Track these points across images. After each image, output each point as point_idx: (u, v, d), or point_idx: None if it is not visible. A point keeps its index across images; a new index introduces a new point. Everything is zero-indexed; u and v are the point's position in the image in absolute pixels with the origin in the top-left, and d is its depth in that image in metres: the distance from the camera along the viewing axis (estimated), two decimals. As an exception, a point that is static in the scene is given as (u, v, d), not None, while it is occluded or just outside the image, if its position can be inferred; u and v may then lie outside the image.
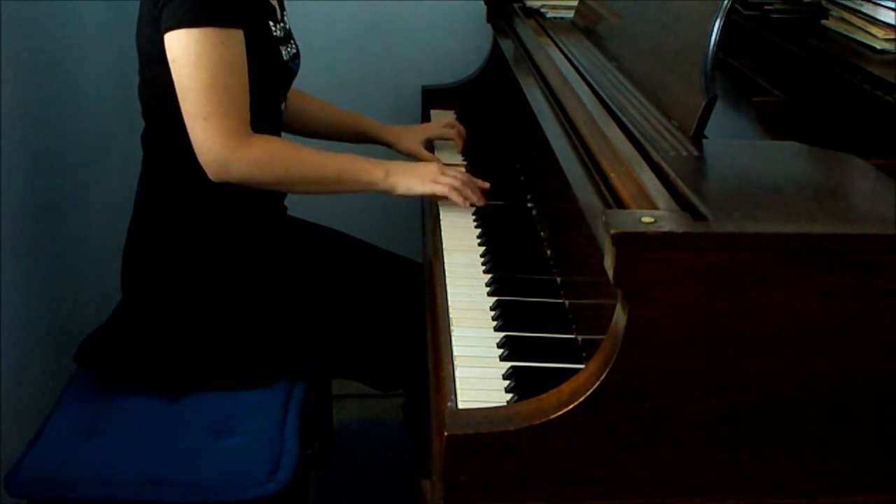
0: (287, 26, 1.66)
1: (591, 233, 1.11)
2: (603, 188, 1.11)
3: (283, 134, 1.73)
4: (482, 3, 2.21)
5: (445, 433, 0.95)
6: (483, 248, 1.55)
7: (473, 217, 1.66)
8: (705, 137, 1.13)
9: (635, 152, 1.13)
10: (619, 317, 0.93)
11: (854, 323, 0.92)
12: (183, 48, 1.41)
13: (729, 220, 0.91)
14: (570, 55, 1.63)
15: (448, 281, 1.43)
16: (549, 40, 1.78)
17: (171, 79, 1.45)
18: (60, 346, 1.76)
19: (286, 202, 1.77)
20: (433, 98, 2.28)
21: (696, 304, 0.91)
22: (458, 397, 1.12)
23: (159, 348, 1.54)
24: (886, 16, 1.40)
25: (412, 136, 1.90)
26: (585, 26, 1.80)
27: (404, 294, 1.63)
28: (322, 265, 1.69)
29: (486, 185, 1.67)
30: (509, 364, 1.20)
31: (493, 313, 1.34)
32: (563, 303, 1.39)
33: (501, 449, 0.95)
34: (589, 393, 0.93)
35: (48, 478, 1.37)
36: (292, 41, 1.67)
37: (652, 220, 0.90)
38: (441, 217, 1.65)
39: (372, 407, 2.34)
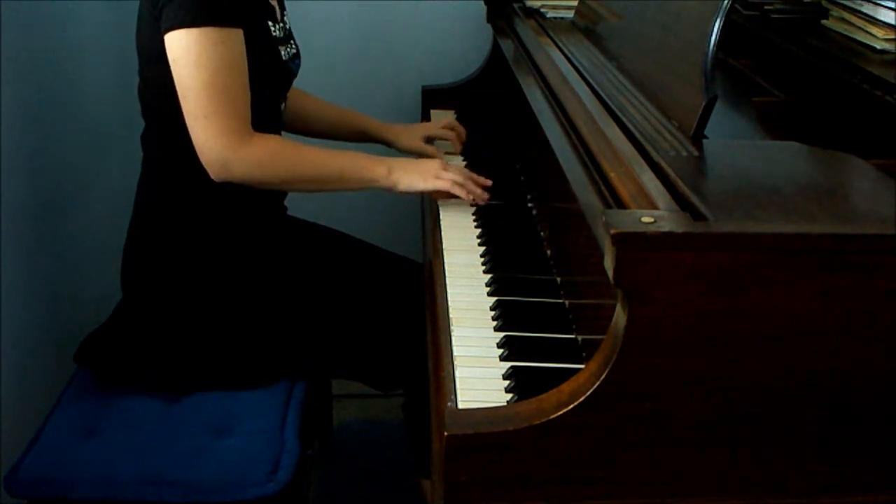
0: (287, 26, 1.66)
1: (591, 233, 1.11)
2: (603, 188, 1.12)
3: (283, 133, 1.73)
4: (482, 3, 2.21)
5: (445, 433, 0.95)
6: (483, 248, 1.55)
7: (473, 217, 1.66)
8: (705, 137, 1.13)
9: (635, 152, 1.13)
10: (619, 317, 0.93)
11: (854, 323, 0.92)
12: (183, 48, 1.42)
13: (729, 220, 0.92)
14: (570, 55, 1.63)
15: (448, 281, 1.44)
16: (549, 40, 1.78)
17: (171, 78, 1.45)
18: (60, 346, 1.76)
19: (286, 202, 1.77)
20: (433, 98, 2.28)
21: (696, 304, 0.91)
22: (458, 397, 1.12)
23: (159, 348, 1.54)
24: (886, 16, 1.40)
25: (412, 134, 1.90)
26: (585, 26, 1.80)
27: (404, 294, 1.63)
28: (322, 265, 1.69)
29: (488, 182, 1.67)
30: (509, 364, 1.20)
31: (493, 313, 1.34)
32: (563, 303, 1.39)
33: (501, 449, 0.95)
34: (589, 393, 0.93)
35: (48, 478, 1.37)
36: (292, 41, 1.67)
37: (652, 220, 0.90)
38: (441, 217, 1.65)
39: (372, 407, 2.34)
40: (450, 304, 1.36)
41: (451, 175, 1.60)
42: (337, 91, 1.99)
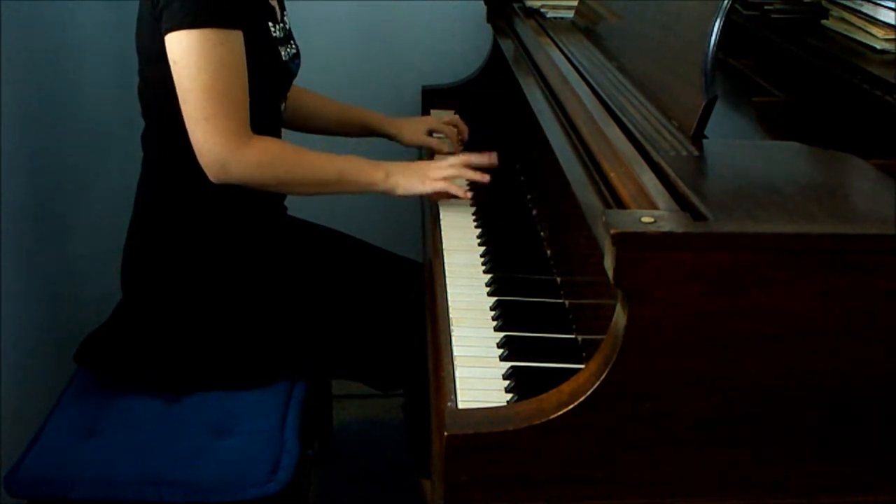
0: (287, 27, 1.66)
1: (591, 233, 1.11)
2: (603, 188, 1.12)
3: (284, 131, 1.73)
4: (482, 3, 2.21)
5: (445, 433, 0.95)
6: (483, 248, 1.55)
7: (473, 217, 1.66)
8: (705, 137, 1.13)
9: (635, 152, 1.13)
10: (619, 317, 0.93)
11: (854, 323, 0.92)
12: (183, 49, 1.41)
13: (729, 220, 0.92)
14: (570, 55, 1.63)
15: (448, 281, 1.44)
16: (549, 40, 1.78)
17: (170, 79, 1.44)
18: (60, 346, 1.76)
19: (286, 202, 1.77)
20: (433, 98, 2.28)
21: (696, 304, 0.91)
22: (458, 397, 1.12)
23: (159, 348, 1.54)
24: (886, 16, 1.40)
25: (415, 128, 1.90)
26: (585, 26, 1.80)
27: (404, 294, 1.63)
28: (322, 265, 1.69)
29: (492, 159, 1.65)
30: (509, 364, 1.20)
31: (493, 313, 1.34)
32: (563, 303, 1.39)
33: (501, 449, 0.95)
34: (589, 393, 0.93)
35: (48, 478, 1.37)
36: (292, 41, 1.67)
37: (652, 220, 0.90)
38: (441, 217, 1.65)
39: (372, 407, 2.34)
40: (450, 304, 1.36)
41: (446, 172, 1.60)
42: (337, 91, 1.99)
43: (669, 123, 1.19)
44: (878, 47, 1.40)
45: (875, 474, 0.99)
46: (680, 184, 1.00)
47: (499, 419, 0.96)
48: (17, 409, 1.78)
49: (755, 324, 0.92)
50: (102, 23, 2.16)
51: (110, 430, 1.45)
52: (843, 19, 1.52)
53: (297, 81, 1.71)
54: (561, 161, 1.31)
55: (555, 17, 1.99)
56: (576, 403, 0.93)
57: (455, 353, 1.23)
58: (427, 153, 1.89)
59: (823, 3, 1.60)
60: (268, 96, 1.59)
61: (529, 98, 1.60)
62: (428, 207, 1.73)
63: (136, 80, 1.58)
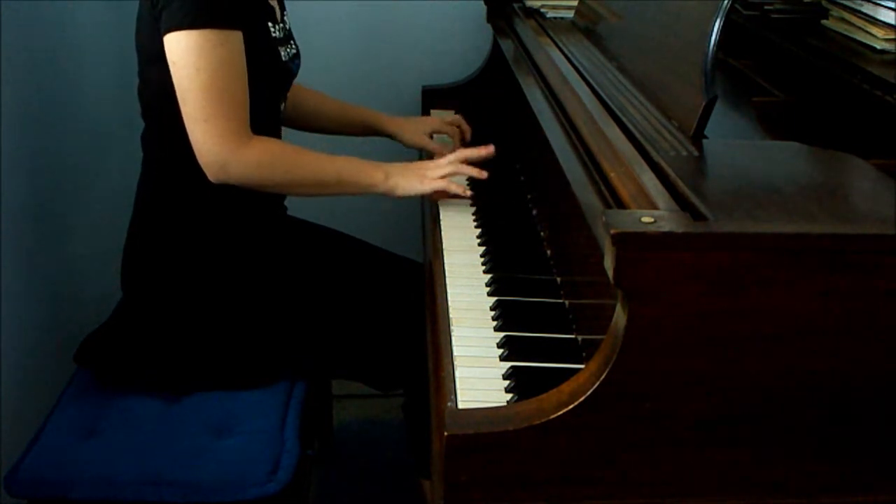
0: (287, 27, 1.66)
1: (591, 233, 1.11)
2: (603, 188, 1.12)
3: (284, 131, 1.73)
4: (482, 3, 2.21)
5: (445, 433, 0.95)
6: (483, 248, 1.55)
7: (473, 217, 1.66)
8: (705, 137, 1.13)
9: (635, 152, 1.13)
10: (619, 317, 0.93)
11: (854, 323, 0.92)
12: (182, 50, 1.41)
13: (729, 220, 0.92)
14: (570, 55, 1.63)
15: (448, 281, 1.44)
16: (549, 40, 1.78)
17: (170, 79, 1.44)
18: (60, 346, 1.76)
19: (286, 202, 1.77)
20: (433, 98, 2.28)
21: (696, 304, 0.91)
22: (458, 397, 1.12)
23: (159, 348, 1.54)
24: (886, 16, 1.40)
25: (416, 129, 1.90)
26: (585, 26, 1.80)
27: (404, 294, 1.63)
28: (322, 265, 1.69)
29: (489, 150, 1.65)
30: (509, 364, 1.20)
31: (493, 313, 1.34)
32: (563, 303, 1.39)
33: (501, 449, 0.95)
34: (589, 393, 0.93)
35: (48, 478, 1.37)
36: (292, 42, 1.67)
37: (652, 220, 0.90)
38: (441, 217, 1.65)
39: (372, 407, 2.34)
40: (450, 304, 1.36)
41: (446, 170, 1.60)
42: (337, 91, 1.99)
43: (669, 123, 1.19)
44: (878, 47, 1.40)
45: (875, 474, 0.99)
46: (680, 184, 1.00)
47: (499, 419, 0.96)
48: (17, 409, 1.78)
49: (755, 324, 0.92)
50: (102, 23, 2.16)
51: (110, 430, 1.45)
52: (843, 19, 1.52)
53: (297, 81, 1.71)
54: (561, 161, 1.31)
55: (555, 17, 1.99)
56: (576, 403, 0.93)
57: (455, 353, 1.23)
58: (427, 155, 1.89)
59: (823, 3, 1.60)
60: (268, 97, 1.59)
61: (529, 98, 1.60)
62: (428, 207, 1.73)
63: (136, 80, 1.58)
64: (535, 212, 1.72)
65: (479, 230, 1.62)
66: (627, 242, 0.89)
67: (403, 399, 1.76)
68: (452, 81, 2.31)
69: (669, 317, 0.91)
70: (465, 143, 1.95)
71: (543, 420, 0.94)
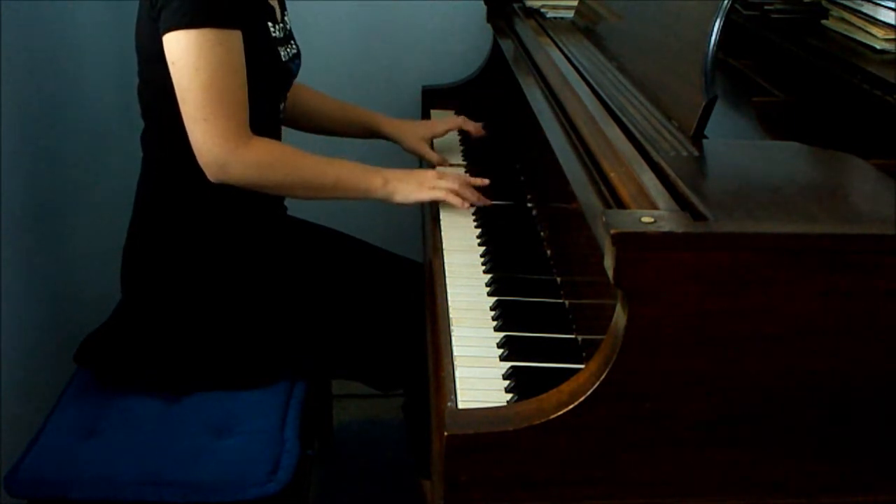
0: (287, 27, 1.66)
1: (591, 233, 1.11)
2: (603, 188, 1.12)
3: (284, 130, 1.73)
4: (482, 3, 2.21)
5: (445, 433, 0.95)
6: (483, 248, 1.55)
7: (473, 217, 1.66)
8: (705, 137, 1.13)
9: (635, 152, 1.13)
10: (619, 317, 0.93)
11: (854, 323, 0.92)
12: (182, 49, 1.41)
13: (729, 220, 0.92)
14: (570, 55, 1.63)
15: (448, 281, 1.44)
16: (549, 40, 1.78)
17: (170, 79, 1.44)
18: (60, 346, 1.76)
19: (286, 202, 1.77)
20: (433, 98, 2.28)
21: (697, 304, 0.91)
22: (458, 397, 1.12)
23: (159, 348, 1.54)
24: (886, 16, 1.40)
25: (416, 132, 1.89)
26: (585, 26, 1.80)
27: (404, 294, 1.63)
28: (322, 265, 1.69)
29: (486, 181, 1.67)
30: (509, 364, 1.20)
31: (493, 313, 1.34)
32: (563, 303, 1.39)
33: (501, 449, 0.95)
34: (589, 393, 0.93)
35: (48, 478, 1.37)
36: (292, 42, 1.67)
37: (652, 220, 0.90)
38: (441, 217, 1.65)
39: (372, 407, 2.34)
40: (450, 304, 1.36)
41: (446, 184, 1.60)
42: (337, 91, 1.99)
43: (669, 123, 1.19)
44: (878, 47, 1.40)
45: (875, 474, 0.99)
46: (680, 184, 1.00)
47: (499, 419, 0.96)
48: (17, 409, 1.78)
49: (755, 324, 0.92)
50: (102, 23, 2.16)
51: (110, 430, 1.45)
52: (843, 19, 1.52)
53: (297, 81, 1.71)
54: (561, 161, 1.31)
55: (555, 17, 1.99)
56: (576, 403, 0.93)
57: (455, 353, 1.23)
58: (428, 164, 1.88)
59: (823, 3, 1.60)
60: (268, 96, 1.59)
61: (529, 98, 1.60)
62: (428, 207, 1.73)
63: (136, 80, 1.58)
64: (535, 212, 1.72)
65: (479, 230, 1.62)
66: (627, 242, 0.89)
67: (403, 399, 1.76)
68: (452, 81, 2.32)
69: (669, 317, 0.91)
70: (475, 141, 1.94)
71: (543, 420, 0.94)
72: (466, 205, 1.62)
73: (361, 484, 2.11)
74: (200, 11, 1.40)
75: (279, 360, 1.57)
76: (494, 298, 1.38)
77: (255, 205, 1.60)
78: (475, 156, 1.97)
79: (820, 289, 0.91)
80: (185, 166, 1.48)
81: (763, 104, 1.41)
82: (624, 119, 1.23)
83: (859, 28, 1.46)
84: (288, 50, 1.62)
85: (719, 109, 1.14)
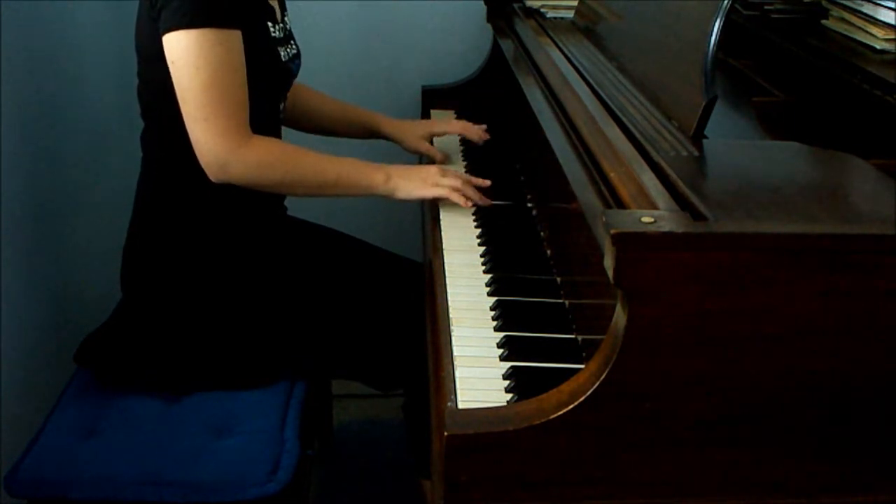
0: (287, 27, 1.66)
1: (591, 233, 1.11)
2: (603, 188, 1.12)
3: (284, 130, 1.73)
4: (482, 3, 2.21)
5: (445, 433, 0.95)
6: (483, 248, 1.55)
7: (473, 217, 1.66)
8: (705, 137, 1.13)
9: (635, 152, 1.13)
10: (619, 317, 0.93)
11: (854, 323, 0.92)
12: (182, 49, 1.41)
13: (729, 220, 0.92)
14: (570, 55, 1.63)
15: (448, 281, 1.44)
16: (549, 40, 1.78)
17: (169, 79, 1.44)
18: (60, 346, 1.76)
19: (286, 202, 1.77)
20: (433, 98, 2.28)
21: (697, 304, 0.91)
22: (458, 397, 1.12)
23: (159, 348, 1.54)
24: (886, 16, 1.40)
25: (416, 132, 1.89)
26: (585, 26, 1.80)
27: (404, 294, 1.63)
28: (322, 265, 1.69)
29: (487, 182, 1.67)
30: (509, 364, 1.20)
31: (493, 313, 1.34)
32: (563, 303, 1.39)
33: (501, 449, 0.95)
34: (589, 393, 0.93)
35: (48, 478, 1.37)
36: (292, 42, 1.67)
37: (652, 220, 0.90)
38: (441, 217, 1.65)
39: (372, 407, 2.34)
40: (450, 304, 1.36)
41: (449, 181, 1.60)
42: (337, 91, 1.99)
43: (669, 123, 1.19)
44: (878, 47, 1.40)
45: (875, 474, 0.99)
46: (680, 184, 1.00)
47: (499, 419, 0.96)
48: (17, 409, 1.78)
49: (755, 324, 0.92)
50: (102, 23, 2.16)
51: (110, 430, 1.45)
52: (843, 19, 1.52)
53: (297, 81, 1.71)
54: (561, 161, 1.31)
55: (555, 17, 1.99)
56: (576, 403, 0.93)
57: (455, 353, 1.23)
58: (428, 160, 1.88)
59: (823, 3, 1.60)
60: (268, 96, 1.59)
61: (529, 98, 1.60)
62: (428, 207, 1.73)
63: (136, 80, 1.58)
64: (535, 212, 1.72)
65: (479, 230, 1.62)
66: (627, 242, 0.89)
67: (403, 399, 1.77)
68: (452, 81, 2.32)
69: (669, 317, 0.91)
70: (477, 146, 1.93)
71: (543, 420, 0.94)
72: (469, 203, 1.62)
73: (361, 484, 2.11)
74: (200, 11, 1.40)
75: (279, 360, 1.57)
76: (494, 298, 1.38)
77: (256, 205, 1.60)
78: (475, 156, 1.96)
79: (820, 289, 0.91)
80: (185, 166, 1.48)
81: (763, 104, 1.41)
82: (624, 119, 1.23)
83: (859, 28, 1.46)
84: (288, 50, 1.62)
85: (719, 109, 1.14)
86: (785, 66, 1.51)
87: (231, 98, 1.44)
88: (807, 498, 0.99)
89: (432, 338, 1.33)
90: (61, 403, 1.52)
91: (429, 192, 1.60)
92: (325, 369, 1.72)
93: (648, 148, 1.11)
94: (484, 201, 1.65)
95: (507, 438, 0.95)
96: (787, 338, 0.92)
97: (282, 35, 1.61)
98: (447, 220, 1.64)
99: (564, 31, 1.83)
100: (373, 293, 1.65)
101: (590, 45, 1.68)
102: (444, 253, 1.53)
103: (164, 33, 1.42)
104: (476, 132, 1.92)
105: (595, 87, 1.40)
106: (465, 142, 2.02)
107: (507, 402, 1.12)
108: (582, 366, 1.11)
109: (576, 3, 1.92)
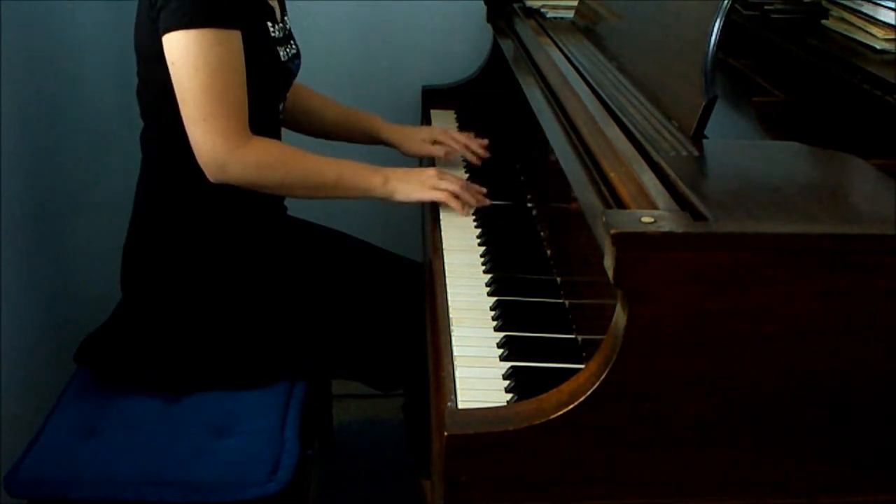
0: (287, 27, 1.66)
1: (591, 233, 1.11)
2: (603, 188, 1.12)
3: (284, 132, 1.73)
4: (482, 3, 2.21)
5: (445, 433, 0.95)
6: (483, 248, 1.55)
7: (473, 217, 1.66)
8: (705, 137, 1.13)
9: (635, 152, 1.13)
10: (619, 317, 0.93)
11: (854, 323, 0.92)
12: (181, 50, 1.41)
13: (729, 220, 0.92)
14: (570, 55, 1.63)
15: (448, 281, 1.44)
16: (549, 40, 1.78)
17: (169, 79, 1.44)
18: (60, 346, 1.76)
19: (286, 202, 1.77)
20: (433, 98, 2.28)
21: (697, 304, 0.91)
22: (458, 397, 1.12)
23: (159, 348, 1.54)
24: (886, 16, 1.40)
25: (418, 136, 1.89)
26: (585, 26, 1.80)
27: (404, 294, 1.63)
28: (322, 265, 1.69)
29: (484, 190, 1.68)
30: (509, 364, 1.20)
31: (493, 313, 1.34)
32: (563, 303, 1.39)
33: (501, 449, 0.95)
34: (589, 393, 0.93)
35: (48, 478, 1.37)
36: (292, 41, 1.67)
37: (652, 220, 0.90)
38: (441, 217, 1.65)
39: (372, 407, 2.34)
40: (450, 304, 1.36)
41: (447, 185, 1.61)
42: (337, 91, 1.99)
43: (669, 123, 1.19)
44: (878, 47, 1.40)
45: (875, 474, 0.99)
46: (680, 184, 1.00)
47: (499, 419, 0.96)
48: (17, 409, 1.78)
49: (755, 324, 0.92)
50: (102, 23, 2.16)
51: (110, 430, 1.45)
52: (843, 19, 1.52)
53: (297, 81, 1.71)
54: (561, 161, 1.31)
55: (555, 17, 1.99)
56: (576, 403, 0.93)
57: (455, 353, 1.23)
58: (428, 161, 1.88)
59: (823, 3, 1.60)
60: (267, 96, 1.59)
61: (529, 98, 1.60)
62: (428, 207, 1.73)
63: (136, 80, 1.58)
64: (535, 212, 1.72)
65: (479, 230, 1.62)
66: (627, 242, 0.89)
67: (403, 399, 1.77)
68: (452, 81, 2.31)
69: (669, 317, 0.91)
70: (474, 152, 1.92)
71: (543, 420, 0.94)
72: (466, 210, 1.63)
73: (361, 484, 2.11)
74: (200, 12, 1.40)
75: (279, 360, 1.57)
76: (494, 298, 1.38)
77: (255, 205, 1.60)
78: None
79: (820, 289, 0.91)
80: (184, 166, 1.48)
81: (763, 104, 1.41)
82: (624, 119, 1.23)
83: (859, 28, 1.46)
84: (287, 50, 1.62)
85: (719, 109, 1.14)
86: (785, 66, 1.51)
87: (230, 98, 1.44)
88: (807, 498, 0.99)
89: (432, 338, 1.33)
90: (61, 403, 1.52)
91: (427, 195, 1.60)
92: (325, 369, 1.72)
93: (648, 148, 1.11)
94: (482, 202, 1.65)
95: (507, 438, 0.95)
96: (787, 338, 0.92)
97: (281, 35, 1.61)
98: (447, 220, 1.64)
99: (564, 31, 1.83)
100: (373, 293, 1.65)
101: (590, 45, 1.68)
102: (444, 253, 1.53)
103: (163, 33, 1.42)
104: (475, 152, 1.87)
105: (595, 87, 1.40)
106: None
107: (507, 402, 1.12)
108: (582, 366, 1.11)
109: (576, 3, 1.92)
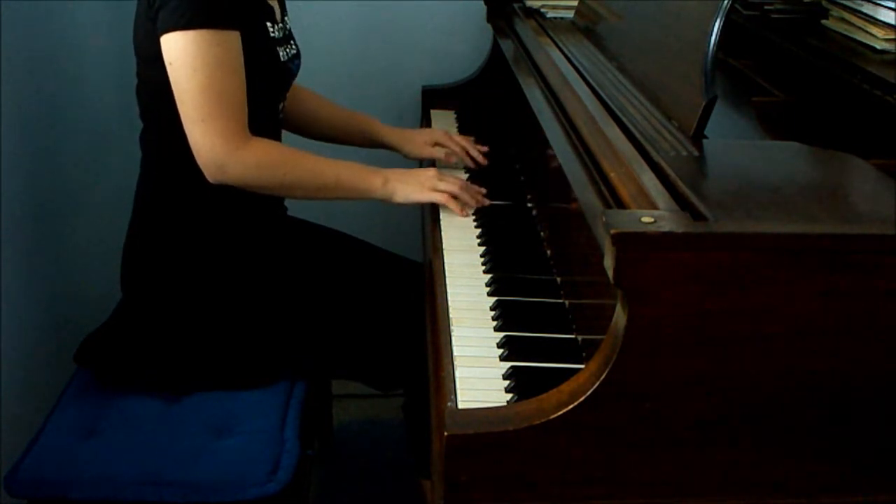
0: (287, 27, 1.66)
1: (591, 233, 1.11)
2: (603, 188, 1.12)
3: (284, 134, 1.73)
4: (482, 3, 2.21)
5: (445, 433, 0.95)
6: (483, 248, 1.55)
7: (473, 217, 1.66)
8: (705, 137, 1.13)
9: (635, 152, 1.13)
10: (619, 317, 0.93)
11: (854, 323, 0.92)
12: (179, 50, 1.41)
13: (729, 220, 0.92)
14: (570, 55, 1.63)
15: (448, 281, 1.44)
16: (549, 40, 1.78)
17: (168, 80, 1.44)
18: (60, 346, 1.76)
19: (286, 202, 1.77)
20: (433, 98, 2.28)
21: (697, 304, 0.91)
22: (458, 397, 1.12)
23: (159, 348, 1.54)
24: (886, 16, 1.40)
25: (418, 140, 1.88)
26: (585, 26, 1.80)
27: (404, 294, 1.63)
28: (322, 265, 1.69)
29: (483, 191, 1.68)
30: (509, 364, 1.20)
31: (493, 313, 1.34)
32: (563, 303, 1.39)
33: (501, 449, 0.95)
34: (589, 393, 0.93)
35: (48, 478, 1.37)
36: (292, 42, 1.67)
37: (652, 220, 0.90)
38: (441, 217, 1.65)
39: (372, 407, 2.34)
40: (450, 304, 1.36)
41: (447, 186, 1.61)
42: (337, 91, 1.99)
43: (669, 123, 1.19)
44: (878, 47, 1.40)
45: (875, 474, 0.99)
46: (680, 184, 1.00)
47: (499, 419, 0.96)
48: (17, 409, 1.78)
49: (755, 324, 0.92)
50: (102, 23, 2.16)
51: (110, 430, 1.45)
52: (843, 19, 1.52)
53: (297, 82, 1.71)
54: (561, 161, 1.31)
55: (555, 17, 1.99)
56: (576, 403, 0.93)
57: (455, 353, 1.23)
58: (428, 163, 1.88)
59: (823, 3, 1.60)
60: (267, 97, 1.59)
61: (529, 98, 1.60)
62: (428, 207, 1.73)
63: (136, 80, 1.58)
64: (535, 212, 1.72)
65: (479, 230, 1.62)
66: (627, 242, 0.89)
67: (403, 399, 1.76)
68: (452, 81, 2.31)
69: (669, 317, 0.91)
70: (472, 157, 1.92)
71: (543, 420, 0.94)
72: (466, 212, 1.63)
73: (361, 484, 2.11)
74: (198, 12, 1.40)
75: (279, 360, 1.57)
76: (494, 298, 1.38)
77: (255, 205, 1.60)
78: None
79: (820, 289, 0.91)
80: (184, 167, 1.48)
81: (763, 104, 1.41)
82: (624, 119, 1.23)
83: (859, 28, 1.46)
84: (287, 50, 1.62)
85: (719, 109, 1.14)
86: (785, 66, 1.51)
87: (229, 99, 1.44)
88: (807, 498, 0.99)
89: (432, 338, 1.33)
90: (61, 403, 1.52)
91: (426, 197, 1.60)
92: (325, 369, 1.72)
93: (648, 148, 1.11)
94: (481, 203, 1.65)
95: (507, 438, 0.95)
96: (787, 338, 0.92)
97: (281, 35, 1.61)
98: (447, 220, 1.64)
99: (564, 31, 1.83)
100: (373, 293, 1.65)
101: (590, 45, 1.68)
102: (444, 253, 1.53)
103: (161, 34, 1.42)
104: (475, 158, 1.87)
105: (595, 87, 1.40)
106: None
107: (507, 402, 1.12)
108: (582, 366, 1.11)
109: (576, 3, 1.92)
